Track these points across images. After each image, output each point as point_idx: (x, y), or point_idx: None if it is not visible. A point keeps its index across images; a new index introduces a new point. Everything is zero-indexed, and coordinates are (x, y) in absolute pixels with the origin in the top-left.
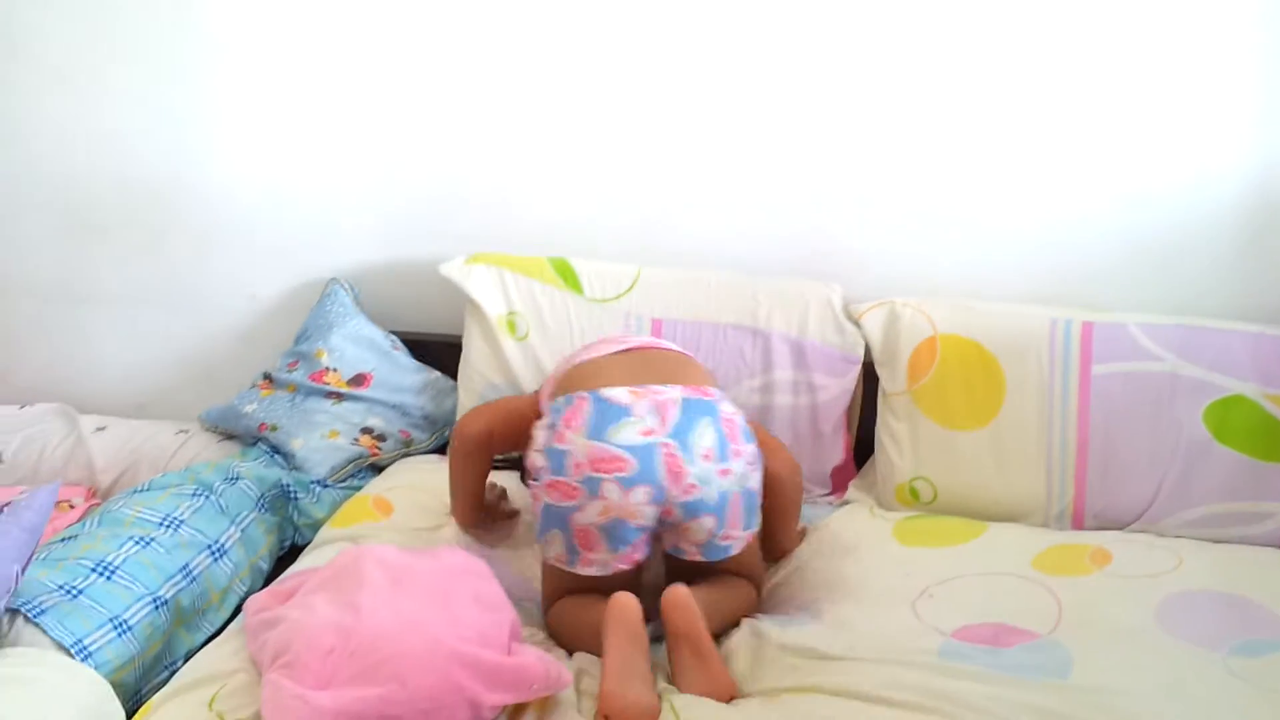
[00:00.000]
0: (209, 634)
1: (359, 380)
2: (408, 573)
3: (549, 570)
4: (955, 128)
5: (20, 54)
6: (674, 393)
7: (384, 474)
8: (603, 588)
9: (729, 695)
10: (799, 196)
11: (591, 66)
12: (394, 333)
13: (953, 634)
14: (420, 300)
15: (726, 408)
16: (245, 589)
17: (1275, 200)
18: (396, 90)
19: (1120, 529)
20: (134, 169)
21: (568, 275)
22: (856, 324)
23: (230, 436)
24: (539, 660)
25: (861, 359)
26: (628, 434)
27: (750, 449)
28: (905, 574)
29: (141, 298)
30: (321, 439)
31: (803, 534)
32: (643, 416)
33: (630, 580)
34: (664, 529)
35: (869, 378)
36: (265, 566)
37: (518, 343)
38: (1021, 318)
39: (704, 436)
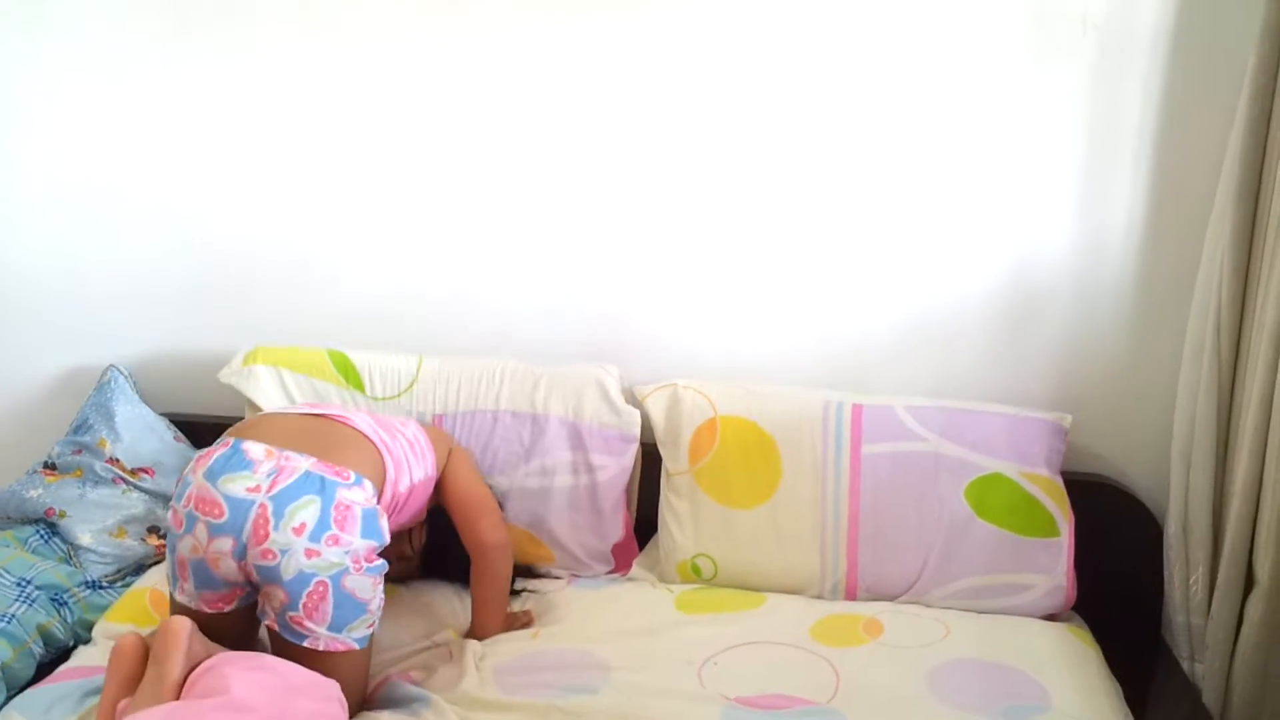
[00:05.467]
0: None
1: (143, 472)
2: (257, 677)
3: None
4: (735, 220)
5: None
6: (303, 463)
7: (164, 563)
8: (208, 626)
9: None
10: (583, 283)
11: (373, 153)
12: (175, 417)
13: (735, 699)
14: (203, 385)
15: (350, 494)
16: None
17: (1028, 291)
18: (182, 175)
19: (891, 600)
20: None
21: (348, 372)
22: (639, 406)
23: None
24: None
25: (638, 437)
26: (235, 486)
27: (361, 545)
28: (689, 642)
29: None
30: (109, 537)
31: (526, 623)
32: (259, 475)
33: (229, 627)
34: (259, 592)
35: (651, 457)
36: (39, 651)
37: None
38: (797, 400)
39: (304, 510)
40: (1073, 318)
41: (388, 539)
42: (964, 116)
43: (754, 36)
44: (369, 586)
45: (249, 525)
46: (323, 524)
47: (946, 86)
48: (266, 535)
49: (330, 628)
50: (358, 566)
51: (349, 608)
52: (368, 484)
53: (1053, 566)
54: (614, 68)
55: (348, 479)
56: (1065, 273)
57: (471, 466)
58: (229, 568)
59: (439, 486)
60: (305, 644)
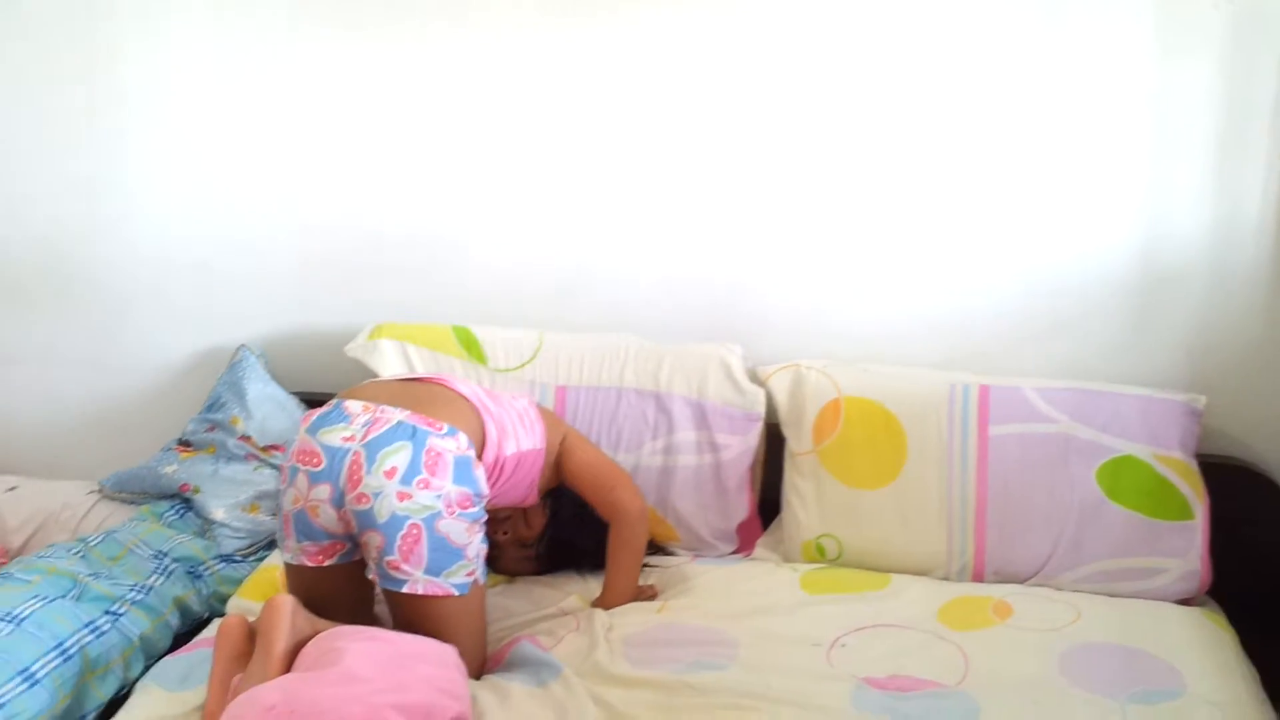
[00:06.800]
0: (118, 687)
1: (274, 449)
2: (370, 647)
3: None
4: (860, 197)
5: None
6: (397, 415)
7: None
8: (314, 586)
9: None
10: (706, 262)
11: (499, 135)
12: (303, 394)
13: (864, 680)
14: (330, 364)
15: (442, 443)
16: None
17: (1159, 270)
18: (307, 157)
19: (1020, 583)
20: (52, 230)
21: (471, 346)
22: (763, 385)
23: (132, 501)
24: None
25: (762, 416)
26: (332, 436)
27: (454, 490)
28: (817, 623)
29: (55, 358)
30: (242, 512)
31: (650, 596)
32: (355, 426)
33: (335, 588)
34: (359, 545)
35: (774, 438)
36: (175, 622)
37: None
38: (922, 381)
39: (396, 455)
40: (1206, 297)
41: (484, 490)
42: (1096, 93)
43: (887, 5)
44: (463, 531)
45: (344, 471)
46: (413, 468)
47: (1078, 65)
48: (360, 480)
49: (427, 571)
50: (450, 511)
51: (444, 552)
52: (462, 436)
53: (1187, 550)
54: (733, 44)
55: (440, 429)
56: (1199, 251)
57: (592, 444)
58: (328, 516)
59: (560, 467)
60: (405, 589)
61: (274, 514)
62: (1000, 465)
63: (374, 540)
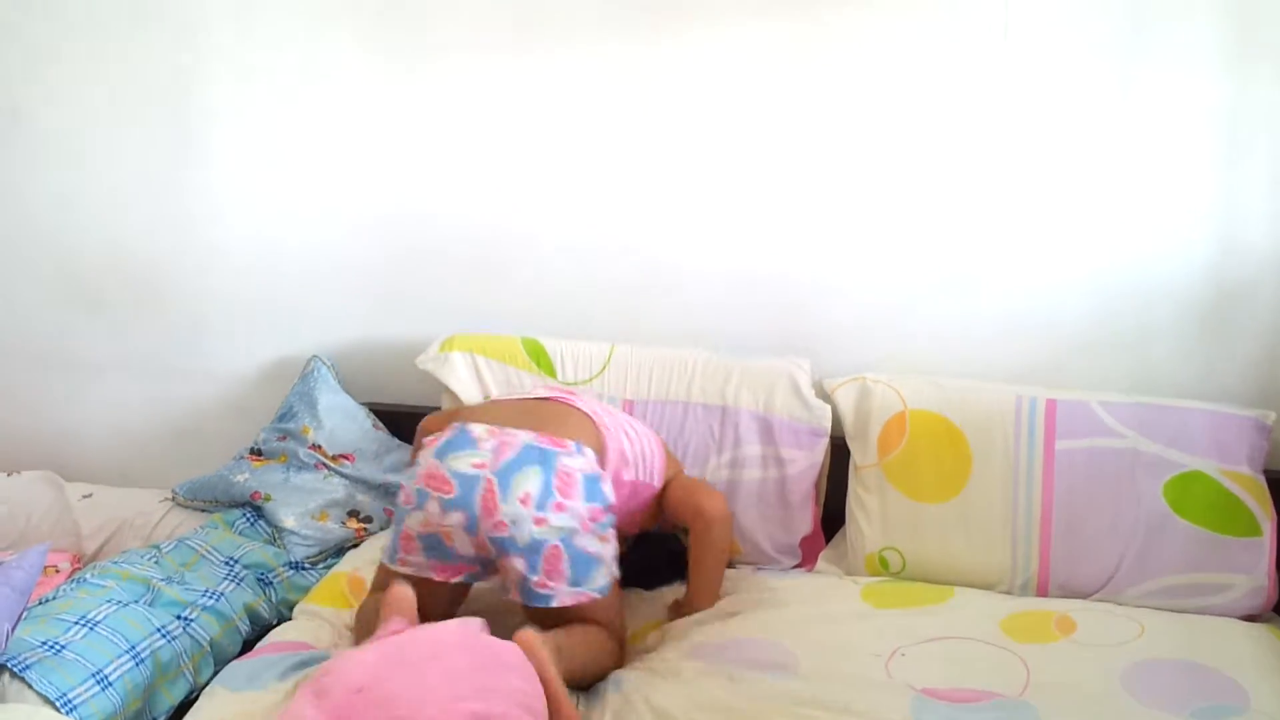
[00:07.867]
0: (187, 691)
1: (343, 458)
2: (460, 648)
3: (378, 567)
4: (926, 212)
5: (19, 122)
6: (523, 437)
7: (361, 547)
8: (426, 595)
9: None
10: (773, 276)
11: (569, 149)
12: (373, 405)
13: (923, 690)
14: (400, 374)
15: (571, 462)
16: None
17: (1229, 286)
18: (380, 169)
19: (1084, 598)
20: (130, 239)
21: (540, 358)
22: (828, 399)
23: (204, 509)
24: None
25: (828, 432)
26: (461, 463)
27: (585, 508)
28: (877, 634)
29: (130, 366)
30: (311, 520)
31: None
32: (484, 451)
33: (443, 597)
34: (493, 566)
35: (838, 451)
36: (244, 628)
37: None
38: (988, 395)
39: (528, 481)
40: (1277, 311)
41: (612, 499)
42: (1168, 105)
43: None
44: (597, 541)
45: (478, 499)
46: (546, 492)
47: (1151, 77)
48: (496, 507)
49: (570, 584)
50: (585, 526)
51: (584, 563)
52: (589, 451)
53: (1254, 566)
54: (803, 53)
55: (567, 448)
56: (1270, 265)
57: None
58: (463, 542)
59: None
60: (553, 604)
61: (342, 522)
62: (1066, 480)
63: (516, 564)
